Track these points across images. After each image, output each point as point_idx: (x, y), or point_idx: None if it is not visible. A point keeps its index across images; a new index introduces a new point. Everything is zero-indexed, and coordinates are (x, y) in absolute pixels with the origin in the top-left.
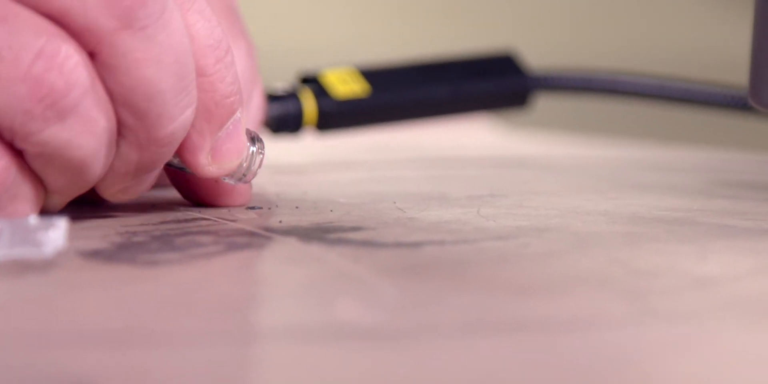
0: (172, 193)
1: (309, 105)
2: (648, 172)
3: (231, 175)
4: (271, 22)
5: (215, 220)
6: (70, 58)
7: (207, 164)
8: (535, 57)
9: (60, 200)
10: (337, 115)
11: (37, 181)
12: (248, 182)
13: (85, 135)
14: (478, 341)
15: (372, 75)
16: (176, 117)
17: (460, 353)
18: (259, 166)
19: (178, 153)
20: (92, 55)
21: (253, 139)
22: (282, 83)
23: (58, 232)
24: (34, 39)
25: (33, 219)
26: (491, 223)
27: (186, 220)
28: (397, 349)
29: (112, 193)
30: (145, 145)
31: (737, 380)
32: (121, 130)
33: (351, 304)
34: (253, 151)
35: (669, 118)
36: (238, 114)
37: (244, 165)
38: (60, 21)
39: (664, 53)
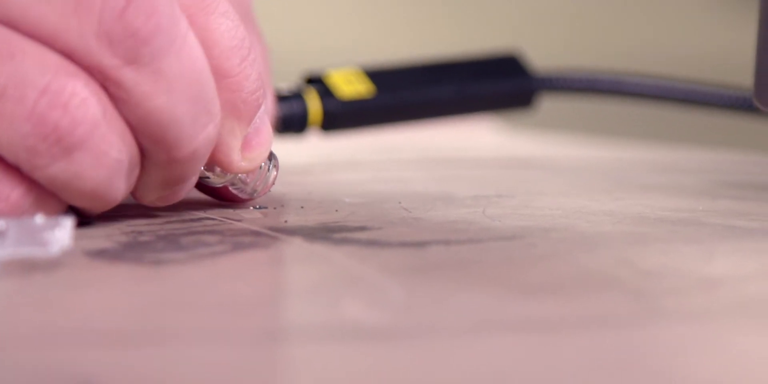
0: None
1: (314, 105)
2: (653, 172)
3: (244, 190)
4: (276, 23)
5: (221, 220)
6: (76, 95)
7: (239, 160)
8: (540, 58)
9: (90, 212)
10: (342, 116)
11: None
12: (261, 196)
13: (95, 167)
14: (484, 341)
15: (377, 75)
16: (196, 136)
17: (466, 353)
18: (273, 182)
19: (211, 155)
20: (105, 88)
21: (269, 155)
22: (287, 84)
23: (63, 232)
24: (40, 77)
25: (39, 218)
26: (497, 223)
27: (191, 220)
28: (403, 349)
29: (150, 201)
30: (168, 165)
31: (743, 381)
32: (144, 152)
33: (357, 304)
34: (268, 167)
35: (673, 119)
36: (263, 107)
37: (257, 182)
38: (69, 58)
39: (669, 54)
